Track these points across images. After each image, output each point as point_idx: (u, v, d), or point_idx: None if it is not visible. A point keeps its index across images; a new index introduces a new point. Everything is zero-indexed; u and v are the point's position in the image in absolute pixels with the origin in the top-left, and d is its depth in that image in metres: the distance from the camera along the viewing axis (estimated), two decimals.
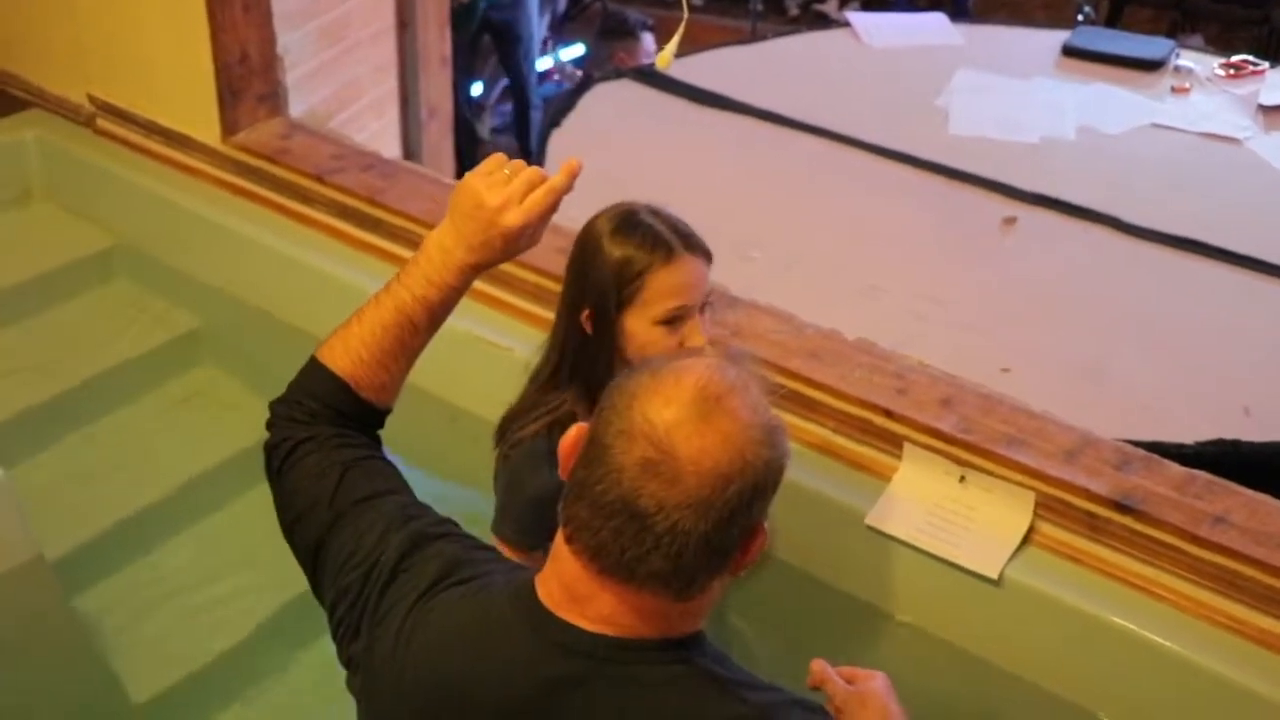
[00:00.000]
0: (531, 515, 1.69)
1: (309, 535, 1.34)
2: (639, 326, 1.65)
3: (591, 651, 1.15)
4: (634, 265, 1.63)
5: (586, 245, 1.68)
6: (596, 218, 1.70)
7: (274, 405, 1.43)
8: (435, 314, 1.41)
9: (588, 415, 1.68)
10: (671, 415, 1.09)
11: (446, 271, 1.39)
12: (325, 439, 1.37)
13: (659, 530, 1.08)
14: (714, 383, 1.11)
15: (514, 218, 1.36)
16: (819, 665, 1.32)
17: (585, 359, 1.70)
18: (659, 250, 1.63)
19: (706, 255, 1.68)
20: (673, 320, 1.64)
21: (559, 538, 1.17)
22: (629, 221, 1.66)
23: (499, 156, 1.41)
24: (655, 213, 1.68)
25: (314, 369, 1.41)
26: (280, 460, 1.38)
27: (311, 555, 1.35)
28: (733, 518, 1.10)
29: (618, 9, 5.45)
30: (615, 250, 1.64)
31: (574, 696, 1.14)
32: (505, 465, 1.75)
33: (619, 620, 1.15)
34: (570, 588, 1.16)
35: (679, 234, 1.65)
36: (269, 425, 1.42)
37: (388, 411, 1.45)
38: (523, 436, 1.72)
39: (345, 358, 1.40)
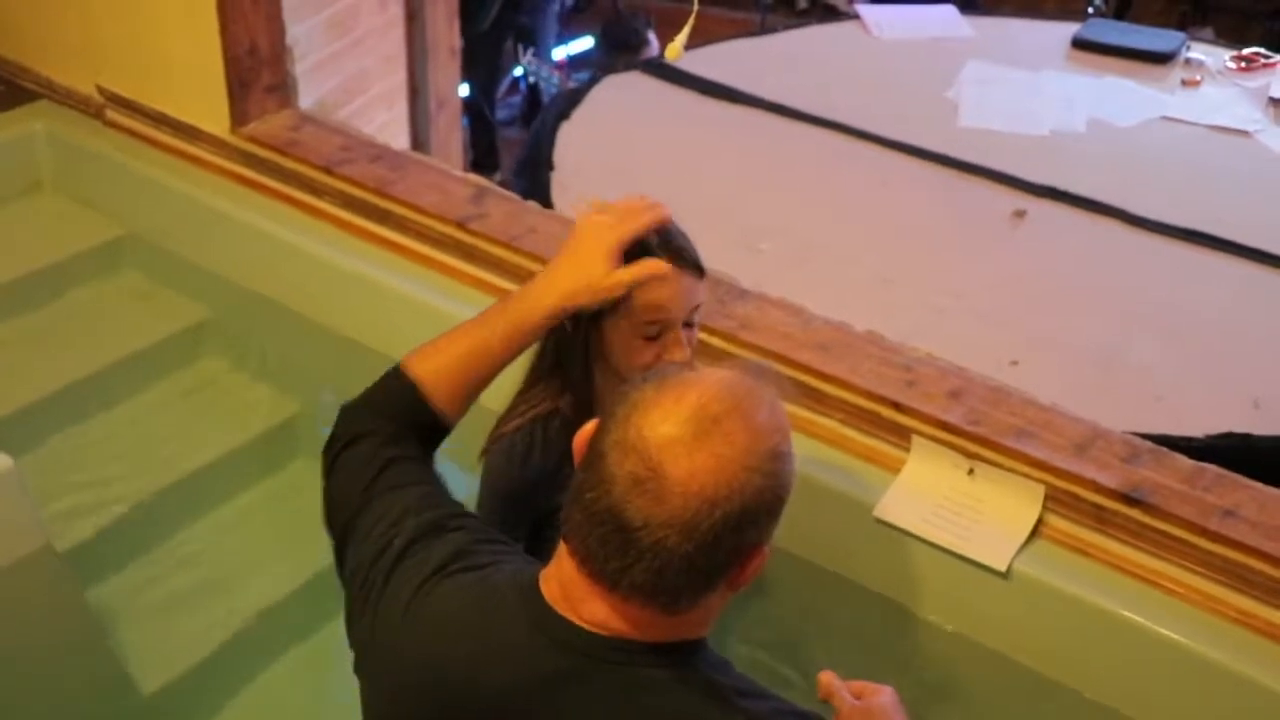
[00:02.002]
0: (502, 512, 1.67)
1: (341, 518, 1.38)
2: (619, 336, 1.59)
3: (589, 650, 1.15)
4: None
5: None
6: None
7: (343, 407, 1.48)
8: (514, 340, 1.48)
9: (570, 411, 1.67)
10: (666, 432, 1.08)
11: (541, 307, 1.48)
12: (382, 435, 1.42)
13: (643, 545, 1.08)
14: (716, 401, 1.09)
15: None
16: (827, 678, 1.31)
17: (564, 357, 1.67)
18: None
19: (698, 270, 1.60)
20: (653, 333, 1.58)
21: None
22: None
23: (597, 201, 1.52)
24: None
25: (391, 372, 1.48)
26: (334, 455, 1.43)
27: (340, 537, 1.38)
28: (718, 541, 1.08)
29: (623, 13, 5.38)
30: None
31: (572, 692, 1.14)
32: (483, 461, 1.73)
33: (611, 624, 1.15)
34: (566, 587, 1.16)
35: (670, 248, 1.57)
36: (335, 425, 1.47)
37: (447, 431, 1.49)
38: (503, 433, 1.71)
39: (424, 363, 1.46)
